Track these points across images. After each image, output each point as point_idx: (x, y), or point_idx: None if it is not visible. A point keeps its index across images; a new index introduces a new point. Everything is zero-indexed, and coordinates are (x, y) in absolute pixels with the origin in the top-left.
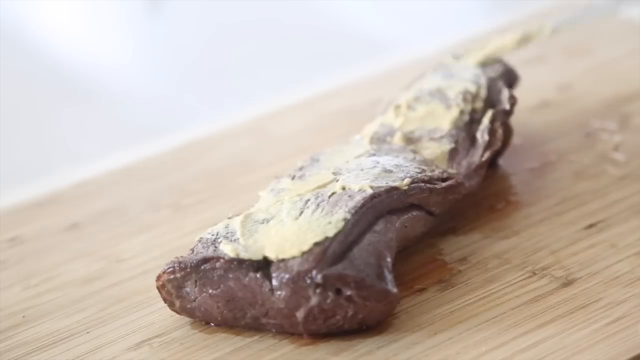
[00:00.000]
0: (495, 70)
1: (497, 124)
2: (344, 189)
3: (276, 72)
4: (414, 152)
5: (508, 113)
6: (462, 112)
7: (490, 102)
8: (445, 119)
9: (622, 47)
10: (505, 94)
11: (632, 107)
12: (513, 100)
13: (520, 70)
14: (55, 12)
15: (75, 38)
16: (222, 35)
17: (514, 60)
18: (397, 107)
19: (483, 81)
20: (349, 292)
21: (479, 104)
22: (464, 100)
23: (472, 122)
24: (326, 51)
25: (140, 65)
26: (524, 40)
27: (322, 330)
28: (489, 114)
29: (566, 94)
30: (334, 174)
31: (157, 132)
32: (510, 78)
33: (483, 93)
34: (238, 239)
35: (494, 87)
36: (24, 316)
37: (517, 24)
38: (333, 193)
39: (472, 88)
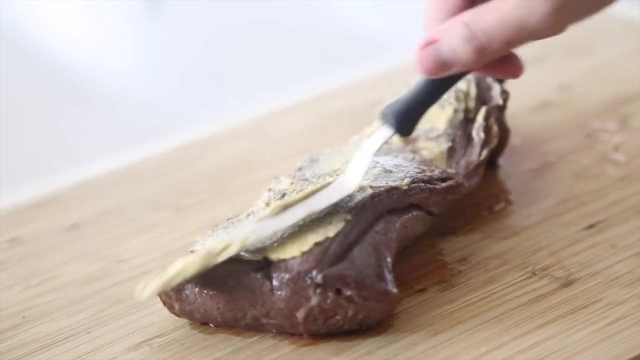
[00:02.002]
0: None
1: (492, 121)
2: None
3: (276, 72)
4: (413, 152)
5: (502, 108)
6: (456, 111)
7: (482, 99)
8: (440, 119)
9: (622, 47)
10: (496, 89)
11: (632, 107)
12: (505, 95)
13: None
14: (55, 12)
15: (75, 38)
16: (222, 35)
17: None
18: None
19: (471, 77)
20: (349, 293)
21: (471, 103)
22: (457, 98)
23: (467, 120)
24: (326, 51)
25: (140, 66)
26: (208, 259)
27: (322, 331)
28: (482, 111)
29: (566, 94)
30: (334, 173)
31: (157, 132)
32: None
33: (473, 91)
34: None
35: (482, 83)
36: (24, 316)
37: None
38: None
39: (463, 86)
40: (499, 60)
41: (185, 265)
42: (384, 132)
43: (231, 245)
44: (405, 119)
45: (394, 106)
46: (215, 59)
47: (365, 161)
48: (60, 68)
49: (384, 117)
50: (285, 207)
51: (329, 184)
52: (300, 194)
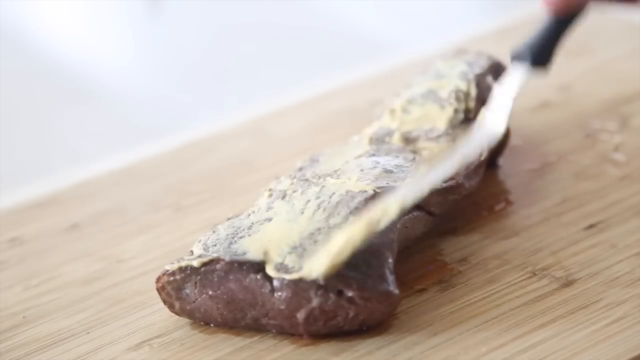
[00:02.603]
0: (480, 66)
1: None
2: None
3: (276, 72)
4: (414, 152)
5: None
6: (456, 111)
7: (482, 99)
8: (440, 119)
9: (622, 47)
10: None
11: (632, 107)
12: None
13: None
14: (55, 12)
15: (75, 38)
16: (223, 35)
17: None
18: (392, 111)
19: (471, 78)
20: (350, 294)
21: (471, 103)
22: (457, 99)
23: (467, 120)
24: (326, 51)
25: (140, 66)
26: (370, 227)
27: (323, 331)
28: (482, 111)
29: (566, 94)
30: (335, 173)
31: (157, 132)
32: (498, 72)
33: (473, 91)
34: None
35: (482, 83)
36: (24, 316)
37: (516, 24)
38: (334, 193)
39: (463, 86)
40: None
41: (349, 237)
42: (520, 70)
43: (390, 209)
44: (542, 51)
45: (526, 43)
46: (215, 59)
47: (507, 104)
48: (60, 68)
49: (518, 55)
50: (436, 163)
51: (474, 134)
52: (447, 149)
